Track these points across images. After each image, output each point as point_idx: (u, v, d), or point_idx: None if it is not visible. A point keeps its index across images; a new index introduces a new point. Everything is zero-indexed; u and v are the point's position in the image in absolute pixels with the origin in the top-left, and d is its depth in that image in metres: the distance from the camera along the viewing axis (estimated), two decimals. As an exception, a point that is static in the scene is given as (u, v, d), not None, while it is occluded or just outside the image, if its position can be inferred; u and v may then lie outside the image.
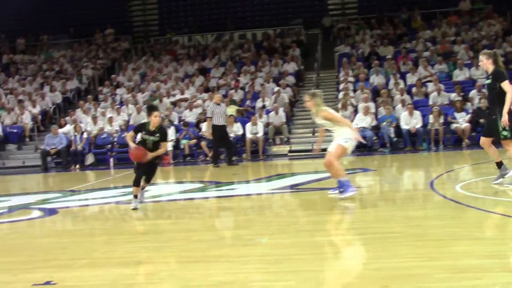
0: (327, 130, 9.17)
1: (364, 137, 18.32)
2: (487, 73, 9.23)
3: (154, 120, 9.27)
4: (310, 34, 28.19)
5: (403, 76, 21.81)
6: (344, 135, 8.80)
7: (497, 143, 9.31)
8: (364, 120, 18.86)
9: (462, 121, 18.29)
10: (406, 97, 19.94)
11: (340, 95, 20.90)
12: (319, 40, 26.58)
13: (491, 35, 23.83)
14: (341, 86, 21.71)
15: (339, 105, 19.63)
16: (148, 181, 9.63)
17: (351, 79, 22.06)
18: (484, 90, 16.01)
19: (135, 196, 9.33)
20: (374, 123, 19.13)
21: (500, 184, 9.17)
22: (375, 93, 20.77)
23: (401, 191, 10.85)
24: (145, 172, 9.39)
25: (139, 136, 9.67)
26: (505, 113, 8.69)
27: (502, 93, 8.77)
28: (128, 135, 9.80)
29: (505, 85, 8.75)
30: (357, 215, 8.11)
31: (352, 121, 18.74)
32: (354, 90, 21.26)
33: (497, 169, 9.32)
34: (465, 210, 7.69)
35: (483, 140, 9.32)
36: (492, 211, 7.33)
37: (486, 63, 9.05)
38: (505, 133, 8.81)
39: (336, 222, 7.39)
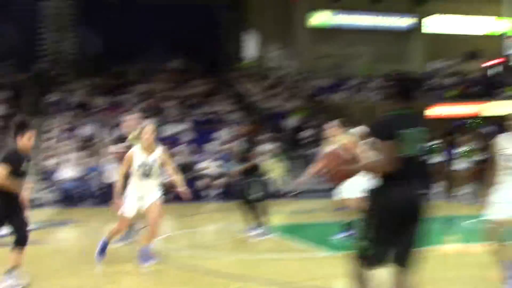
0: (144, 176, 7.73)
1: (70, 189, 17.93)
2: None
3: (28, 144, 6.68)
4: (22, 77, 26.99)
5: (114, 128, 21.90)
6: (159, 187, 7.87)
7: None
8: (72, 171, 18.45)
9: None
10: (116, 148, 19.98)
11: (49, 143, 20.23)
12: (32, 84, 25.58)
13: (199, 93, 25.39)
14: (51, 134, 21.04)
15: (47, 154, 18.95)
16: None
17: (62, 127, 21.52)
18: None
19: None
20: (83, 173, 18.76)
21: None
22: (85, 143, 20.48)
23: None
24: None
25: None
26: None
27: None
28: (4, 173, 6.34)
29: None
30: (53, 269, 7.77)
31: (58, 171, 18.32)
32: (64, 139, 20.71)
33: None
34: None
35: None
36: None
37: (133, 124, 9.04)
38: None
39: None
